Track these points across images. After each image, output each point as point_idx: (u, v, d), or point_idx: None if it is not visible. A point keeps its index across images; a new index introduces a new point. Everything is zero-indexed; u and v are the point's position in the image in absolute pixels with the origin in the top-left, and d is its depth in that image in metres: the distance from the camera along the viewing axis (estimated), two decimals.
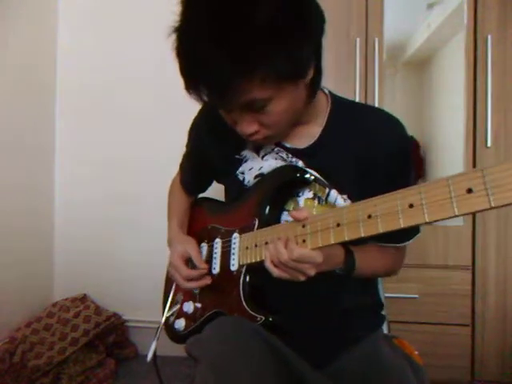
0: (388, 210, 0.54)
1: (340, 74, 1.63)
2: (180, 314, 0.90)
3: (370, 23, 1.63)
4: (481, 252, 1.59)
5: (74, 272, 1.93)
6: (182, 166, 1.03)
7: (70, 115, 1.95)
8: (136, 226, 1.90)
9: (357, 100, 1.61)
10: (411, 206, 0.52)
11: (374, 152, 0.76)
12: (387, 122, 0.79)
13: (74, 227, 1.94)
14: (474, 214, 1.59)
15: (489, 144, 1.56)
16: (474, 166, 1.59)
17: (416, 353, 0.81)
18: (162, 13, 1.91)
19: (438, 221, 0.50)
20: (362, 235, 0.57)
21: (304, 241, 0.65)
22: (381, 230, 0.55)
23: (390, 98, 1.66)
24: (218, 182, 0.97)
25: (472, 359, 1.58)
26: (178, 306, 0.91)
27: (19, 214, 1.72)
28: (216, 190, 1.03)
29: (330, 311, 0.80)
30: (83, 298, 1.81)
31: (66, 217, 1.95)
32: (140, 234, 1.89)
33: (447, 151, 1.74)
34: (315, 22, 0.66)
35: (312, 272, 0.65)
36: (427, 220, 0.50)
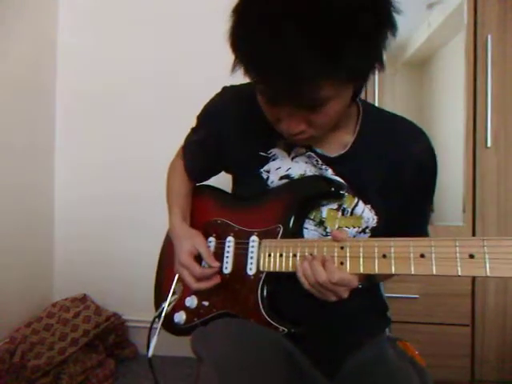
0: (445, 255, 0.55)
1: None
2: (180, 307, 0.85)
3: None
4: None
5: (74, 272, 1.93)
6: (187, 151, 0.96)
7: (69, 115, 1.95)
8: (136, 226, 1.90)
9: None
10: (471, 256, 0.53)
11: (402, 161, 0.75)
12: (416, 133, 0.79)
13: (74, 227, 1.94)
14: (473, 218, 1.59)
15: (489, 144, 1.56)
16: (474, 166, 1.59)
17: (416, 353, 0.81)
18: (162, 13, 1.93)
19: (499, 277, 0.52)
20: (413, 273, 0.57)
21: (342, 263, 0.64)
22: (435, 272, 0.55)
23: (389, 98, 1.66)
24: (228, 172, 0.92)
25: (472, 359, 1.58)
26: (177, 297, 0.86)
27: (19, 213, 1.72)
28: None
29: (339, 316, 0.79)
30: (83, 298, 1.81)
31: (65, 217, 1.95)
32: (140, 234, 1.89)
33: (447, 151, 1.74)
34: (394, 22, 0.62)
35: (345, 295, 0.64)
36: (488, 274, 0.51)
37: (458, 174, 1.62)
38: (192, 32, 1.83)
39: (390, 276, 0.86)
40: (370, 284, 0.74)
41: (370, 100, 1.62)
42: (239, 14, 0.59)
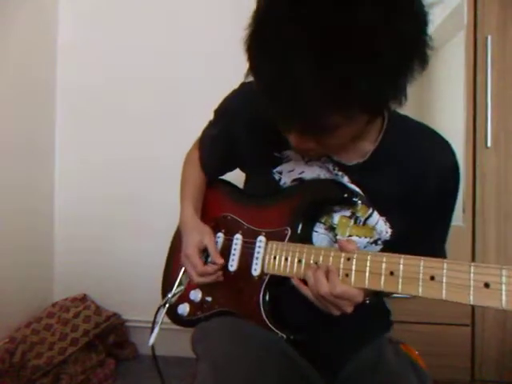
0: (458, 281, 0.51)
1: None
2: (184, 299, 0.85)
3: None
4: (481, 252, 1.58)
5: (74, 272, 1.92)
6: (202, 143, 0.94)
7: (70, 115, 1.94)
8: (136, 226, 1.90)
9: None
10: (487, 285, 0.50)
11: (424, 175, 0.72)
12: (441, 146, 0.75)
13: (74, 227, 1.93)
14: (473, 218, 1.59)
15: (489, 144, 1.56)
16: (474, 166, 1.59)
17: (416, 353, 0.81)
18: (162, 13, 1.93)
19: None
20: (420, 295, 0.54)
21: (347, 275, 0.61)
22: (444, 297, 0.52)
23: None
24: (243, 171, 0.91)
25: (472, 359, 1.58)
26: (183, 288, 0.85)
27: (19, 213, 1.71)
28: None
29: (341, 322, 0.76)
30: (83, 298, 1.81)
31: (65, 217, 1.94)
32: (140, 234, 1.89)
33: None
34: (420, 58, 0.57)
35: (349, 309, 0.62)
36: (504, 307, 0.49)
37: None
38: (194, 31, 1.83)
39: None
40: (379, 299, 0.72)
41: None
42: (257, 23, 0.54)
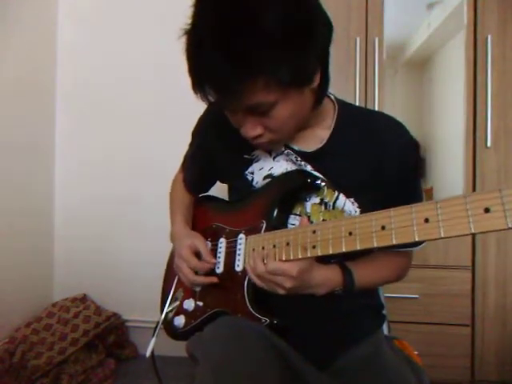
0: (403, 223, 0.55)
1: (340, 74, 1.62)
2: (180, 311, 0.89)
3: (370, 23, 1.63)
4: (481, 252, 1.59)
5: (74, 272, 1.93)
6: (184, 165, 1.02)
7: (70, 115, 1.95)
8: (136, 226, 1.90)
9: (357, 100, 1.62)
10: (427, 220, 0.52)
11: (383, 155, 0.77)
12: (395, 126, 0.80)
13: (74, 227, 1.94)
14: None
15: (489, 144, 1.56)
16: (474, 166, 1.59)
17: (416, 353, 0.81)
18: (162, 13, 1.93)
19: (453, 237, 0.51)
20: (375, 245, 0.57)
21: (314, 247, 0.65)
22: (394, 241, 0.55)
23: (389, 98, 1.66)
24: (223, 182, 0.97)
25: (472, 359, 1.58)
26: (178, 303, 0.90)
27: (19, 214, 1.72)
28: (215, 190, 1.03)
29: (331, 313, 0.80)
30: (83, 298, 1.81)
31: (65, 217, 1.95)
32: (140, 234, 1.89)
33: (447, 151, 1.74)
34: (322, 30, 0.66)
35: (288, 284, 0.67)
36: (442, 235, 0.51)
37: (458, 174, 1.62)
38: None
39: (382, 281, 0.87)
40: (349, 291, 0.73)
41: (369, 100, 1.62)
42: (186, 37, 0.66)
